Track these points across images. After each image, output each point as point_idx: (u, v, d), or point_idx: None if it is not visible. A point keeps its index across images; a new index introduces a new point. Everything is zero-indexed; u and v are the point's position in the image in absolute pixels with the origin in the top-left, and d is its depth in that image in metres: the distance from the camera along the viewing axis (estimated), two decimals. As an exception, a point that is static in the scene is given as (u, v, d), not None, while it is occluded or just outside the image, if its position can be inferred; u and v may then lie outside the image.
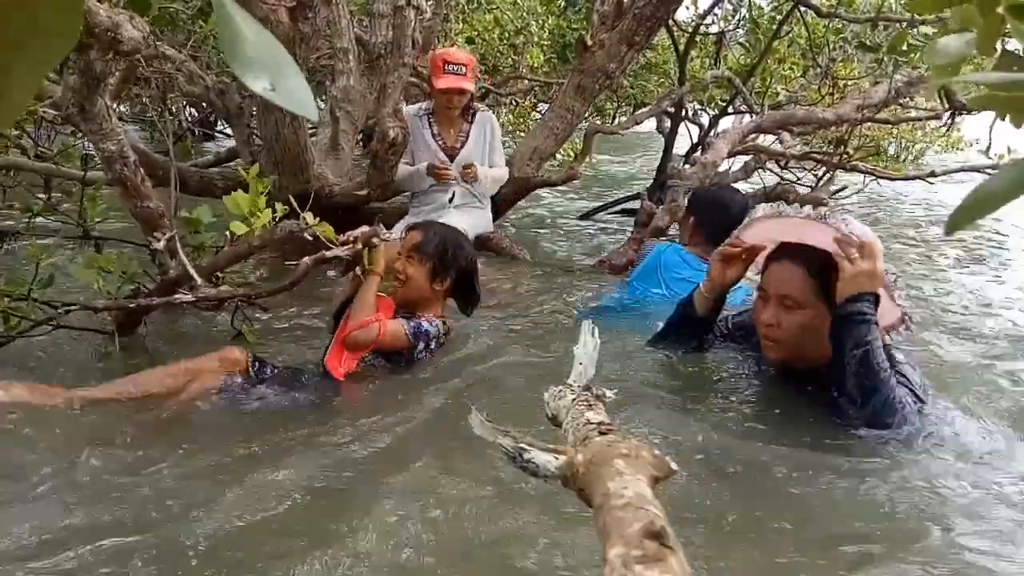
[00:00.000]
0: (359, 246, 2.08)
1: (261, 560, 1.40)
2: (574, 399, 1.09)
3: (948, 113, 4.76)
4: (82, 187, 2.63)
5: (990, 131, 4.51)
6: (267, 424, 1.95)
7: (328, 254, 2.01)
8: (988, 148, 4.66)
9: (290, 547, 1.43)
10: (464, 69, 3.42)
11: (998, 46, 0.60)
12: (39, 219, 2.89)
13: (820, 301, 1.71)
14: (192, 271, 1.94)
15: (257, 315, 2.59)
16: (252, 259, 2.78)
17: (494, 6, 5.78)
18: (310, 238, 1.96)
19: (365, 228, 2.14)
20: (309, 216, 1.95)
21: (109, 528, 1.44)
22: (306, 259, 2.02)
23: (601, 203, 5.53)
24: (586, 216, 5.31)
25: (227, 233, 1.97)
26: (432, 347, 2.21)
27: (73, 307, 2.10)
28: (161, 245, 2.01)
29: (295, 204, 1.96)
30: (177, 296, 2.01)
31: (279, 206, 1.96)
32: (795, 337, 1.76)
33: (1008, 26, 0.54)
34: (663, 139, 5.43)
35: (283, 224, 1.98)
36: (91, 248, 2.78)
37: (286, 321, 2.72)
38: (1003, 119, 0.57)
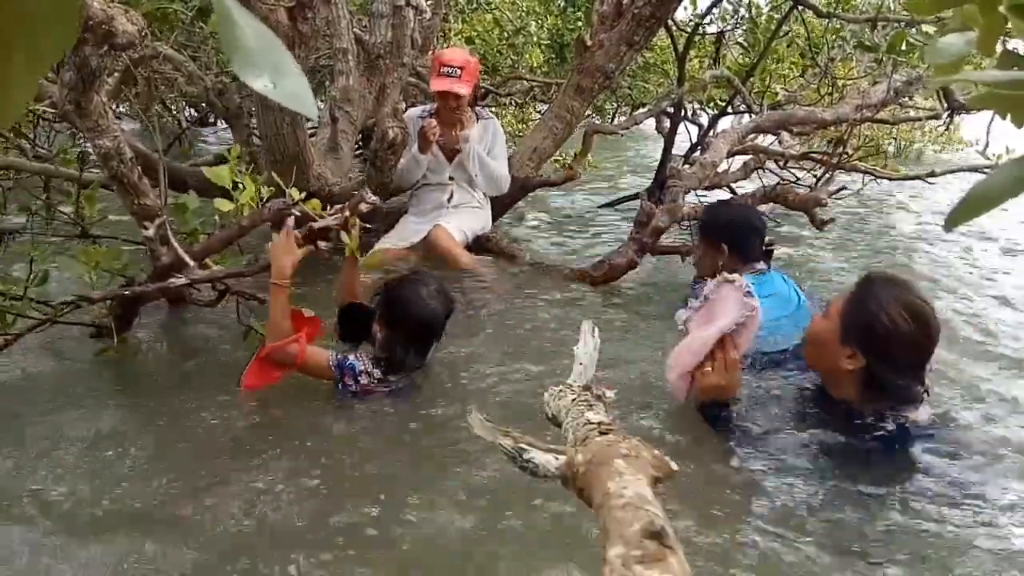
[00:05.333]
0: (347, 214, 2.04)
1: (259, 556, 1.40)
2: (574, 399, 1.08)
3: (947, 113, 4.76)
4: (78, 186, 2.63)
5: (987, 131, 4.51)
6: (252, 425, 1.95)
7: (316, 225, 2.00)
8: (985, 148, 4.66)
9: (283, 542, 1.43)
10: (459, 72, 3.43)
11: (998, 46, 0.60)
12: (38, 219, 2.89)
13: (839, 326, 1.70)
14: (184, 255, 1.94)
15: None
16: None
17: (494, 6, 5.77)
18: (297, 214, 1.96)
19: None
20: (295, 191, 1.95)
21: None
22: (295, 232, 2.02)
23: (615, 198, 5.59)
24: (609, 205, 5.40)
25: (215, 218, 1.98)
26: (363, 382, 2.03)
27: (69, 302, 2.10)
28: (152, 232, 2.01)
29: (281, 182, 1.96)
30: (171, 281, 2.00)
31: (266, 189, 1.96)
32: (811, 341, 1.81)
33: (1009, 25, 0.54)
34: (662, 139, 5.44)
35: (271, 202, 1.98)
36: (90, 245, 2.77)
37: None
38: (1004, 118, 0.57)
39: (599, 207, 5.43)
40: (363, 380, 2.03)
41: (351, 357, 2.05)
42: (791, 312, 2.53)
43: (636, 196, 4.96)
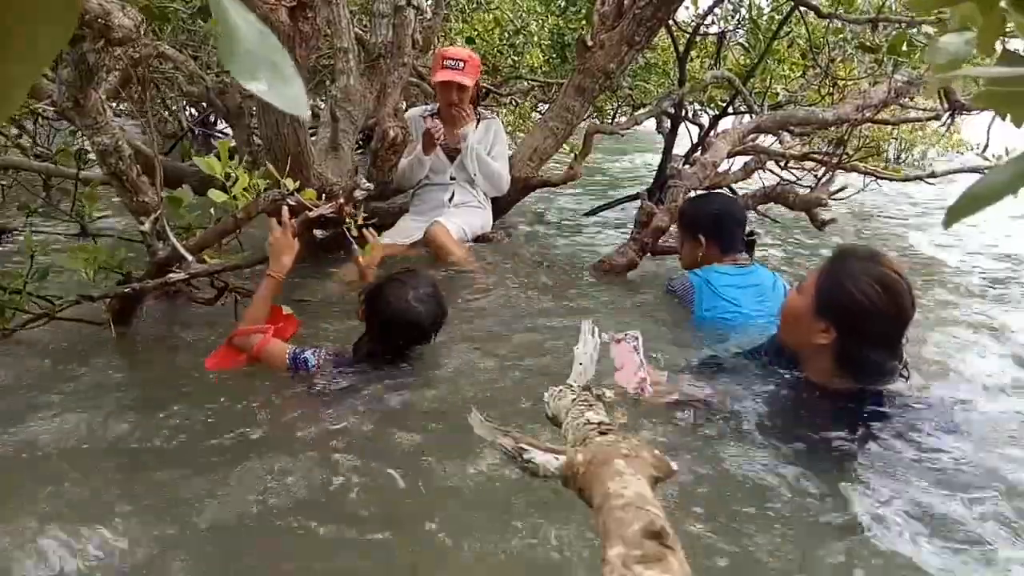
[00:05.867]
0: (341, 201, 2.05)
1: (262, 546, 1.40)
2: (574, 399, 1.09)
3: (948, 113, 4.76)
4: (76, 184, 2.63)
5: (988, 132, 4.50)
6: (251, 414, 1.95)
7: (312, 213, 2.01)
8: (984, 148, 4.65)
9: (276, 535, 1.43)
10: (462, 64, 3.46)
11: (998, 45, 0.60)
12: (38, 218, 2.90)
13: (812, 300, 1.68)
14: (181, 248, 1.96)
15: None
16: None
17: (494, 6, 5.77)
18: (292, 203, 1.98)
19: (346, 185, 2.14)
20: (289, 182, 1.96)
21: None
22: (292, 220, 2.02)
23: (605, 201, 5.55)
24: (591, 213, 5.33)
25: (211, 211, 1.99)
26: (311, 372, 2.05)
27: (69, 299, 2.10)
28: (147, 227, 2.02)
29: (274, 170, 1.97)
30: (170, 276, 2.02)
31: (261, 182, 1.97)
32: (785, 316, 1.81)
33: (1009, 24, 0.54)
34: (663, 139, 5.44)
35: (266, 193, 1.99)
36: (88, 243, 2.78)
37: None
38: (1003, 118, 0.57)
39: (593, 211, 5.40)
40: (312, 371, 2.06)
41: (308, 352, 2.06)
42: (774, 304, 2.52)
43: (636, 196, 4.96)
